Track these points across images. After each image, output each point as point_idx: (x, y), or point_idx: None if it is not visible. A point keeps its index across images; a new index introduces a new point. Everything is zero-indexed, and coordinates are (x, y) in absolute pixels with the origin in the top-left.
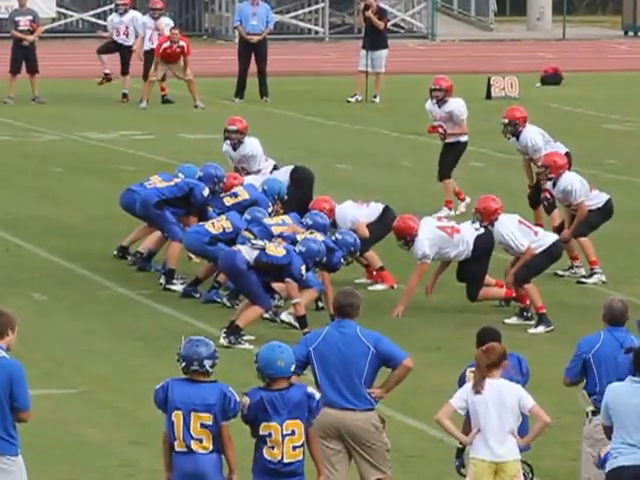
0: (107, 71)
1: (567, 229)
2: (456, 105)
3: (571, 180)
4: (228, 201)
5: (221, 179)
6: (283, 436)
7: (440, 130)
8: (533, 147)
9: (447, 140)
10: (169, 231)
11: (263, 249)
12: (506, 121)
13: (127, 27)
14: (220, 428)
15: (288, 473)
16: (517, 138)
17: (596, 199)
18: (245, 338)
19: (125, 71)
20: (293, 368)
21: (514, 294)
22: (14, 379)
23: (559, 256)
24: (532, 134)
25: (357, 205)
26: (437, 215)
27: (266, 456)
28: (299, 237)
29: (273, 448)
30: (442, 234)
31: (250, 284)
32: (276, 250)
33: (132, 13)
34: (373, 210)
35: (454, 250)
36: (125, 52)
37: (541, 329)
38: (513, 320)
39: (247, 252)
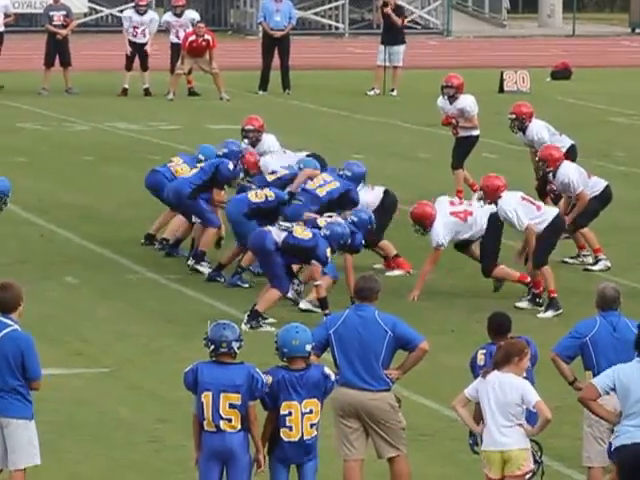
0: (126, 86)
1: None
2: (467, 102)
3: (567, 172)
4: (270, 177)
5: (242, 154)
6: (302, 414)
7: (453, 122)
8: (539, 141)
9: (459, 134)
10: (205, 219)
11: (291, 231)
12: (513, 116)
13: (145, 28)
14: (247, 408)
15: (306, 450)
16: (524, 132)
17: (595, 186)
18: (267, 321)
19: (145, 68)
20: (309, 348)
21: (528, 280)
22: (24, 350)
23: (564, 228)
24: (538, 128)
25: (366, 189)
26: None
27: (284, 438)
28: (321, 222)
29: (291, 429)
30: (455, 220)
31: (274, 266)
32: (303, 233)
33: (151, 14)
34: (377, 194)
35: (469, 232)
36: (142, 50)
37: (549, 314)
38: (524, 304)
39: (276, 233)
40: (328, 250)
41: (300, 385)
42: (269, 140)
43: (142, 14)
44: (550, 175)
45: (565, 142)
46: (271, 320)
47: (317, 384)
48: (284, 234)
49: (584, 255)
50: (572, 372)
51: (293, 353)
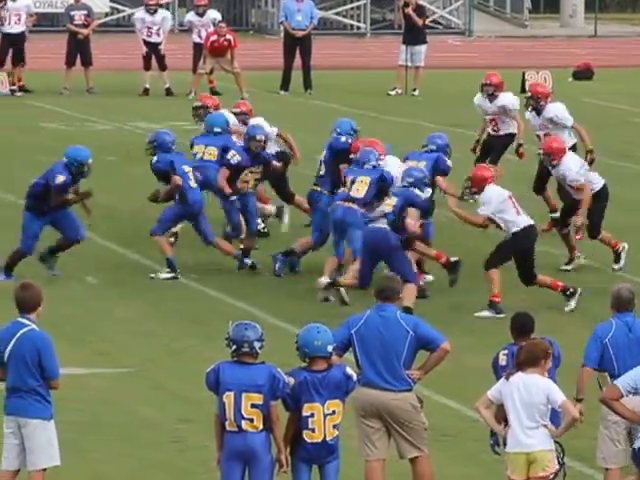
0: (147, 85)
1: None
2: (508, 99)
3: (568, 164)
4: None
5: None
6: (324, 416)
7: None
8: (559, 118)
9: (498, 133)
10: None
11: (382, 213)
12: (529, 94)
13: (159, 27)
14: (269, 408)
15: (329, 450)
16: (538, 113)
17: (595, 183)
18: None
19: (162, 67)
20: (330, 348)
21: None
22: (42, 350)
23: (527, 240)
24: (558, 108)
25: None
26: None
27: (307, 439)
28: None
29: (313, 430)
30: (509, 205)
31: (402, 260)
32: (386, 204)
33: (163, 12)
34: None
35: (506, 222)
36: (157, 50)
37: (487, 313)
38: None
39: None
40: (417, 191)
41: (322, 386)
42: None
43: (153, 13)
44: (551, 168)
45: (570, 140)
46: None
47: (339, 385)
48: (383, 220)
49: (577, 257)
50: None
51: (315, 353)
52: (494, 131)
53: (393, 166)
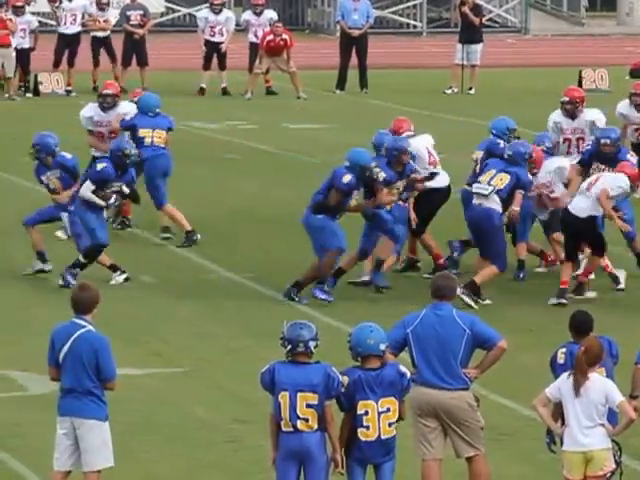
0: (204, 85)
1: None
2: (595, 115)
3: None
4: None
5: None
6: (379, 413)
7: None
8: (596, 122)
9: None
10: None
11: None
12: (566, 99)
13: (222, 27)
14: (324, 407)
15: (384, 449)
16: (572, 119)
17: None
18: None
19: (222, 67)
20: (383, 347)
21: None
22: (98, 351)
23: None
24: (592, 112)
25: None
26: None
27: (362, 438)
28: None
29: (368, 428)
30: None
31: (499, 242)
32: (501, 182)
33: (227, 12)
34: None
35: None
36: (219, 49)
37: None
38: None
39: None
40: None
41: (376, 384)
42: (127, 106)
43: (217, 13)
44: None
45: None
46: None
47: (393, 382)
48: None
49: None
50: None
51: (368, 352)
52: (638, 140)
53: (421, 143)
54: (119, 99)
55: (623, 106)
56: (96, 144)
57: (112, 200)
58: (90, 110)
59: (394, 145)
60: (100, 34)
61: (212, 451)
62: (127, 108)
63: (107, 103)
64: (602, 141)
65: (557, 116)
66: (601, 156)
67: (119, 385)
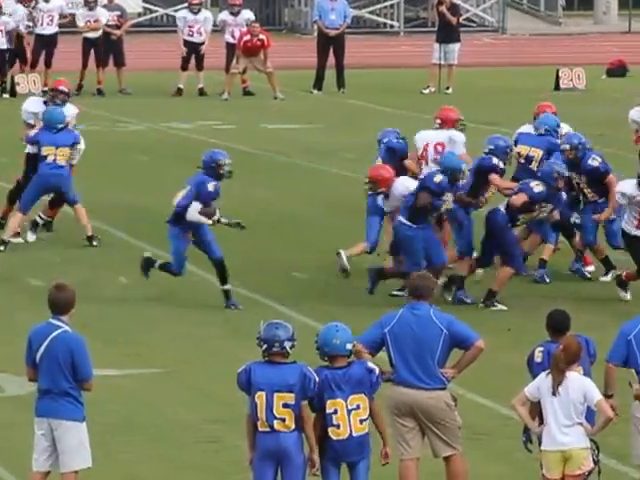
0: (181, 86)
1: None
2: None
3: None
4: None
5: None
6: (348, 411)
7: None
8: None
9: None
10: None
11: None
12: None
13: (200, 26)
14: (300, 407)
15: (358, 448)
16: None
17: None
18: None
19: (200, 67)
20: (350, 346)
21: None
22: (75, 351)
23: None
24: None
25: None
26: None
27: (333, 437)
28: None
29: (339, 427)
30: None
31: (510, 242)
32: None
33: (205, 12)
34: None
35: None
36: (198, 49)
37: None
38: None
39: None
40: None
41: (343, 382)
42: (72, 108)
43: (196, 13)
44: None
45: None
46: (501, 307)
47: (361, 380)
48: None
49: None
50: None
51: (334, 352)
52: None
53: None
54: (69, 99)
55: (635, 113)
56: None
57: (217, 214)
58: (35, 105)
59: (508, 143)
60: (91, 35)
61: (190, 452)
62: (71, 110)
63: (59, 99)
64: (562, 147)
65: (636, 115)
66: (567, 163)
67: (98, 386)
